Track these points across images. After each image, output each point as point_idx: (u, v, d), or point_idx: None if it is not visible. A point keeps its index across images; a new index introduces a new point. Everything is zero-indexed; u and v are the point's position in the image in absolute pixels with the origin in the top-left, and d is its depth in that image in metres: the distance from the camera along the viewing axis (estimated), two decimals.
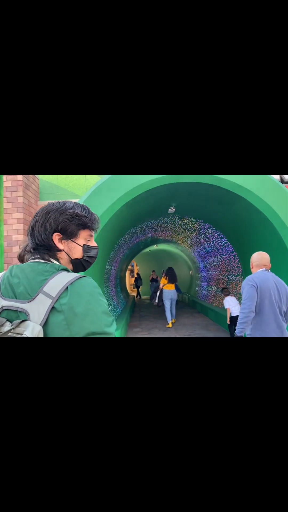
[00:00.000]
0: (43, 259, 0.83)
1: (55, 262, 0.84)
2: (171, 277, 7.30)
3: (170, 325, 7.22)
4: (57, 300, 0.70)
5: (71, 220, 0.85)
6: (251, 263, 2.49)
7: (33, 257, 0.84)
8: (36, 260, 0.82)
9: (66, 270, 0.80)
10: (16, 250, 5.73)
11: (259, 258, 2.45)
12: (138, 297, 14.56)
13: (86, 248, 0.89)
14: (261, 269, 2.41)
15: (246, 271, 6.13)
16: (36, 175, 6.85)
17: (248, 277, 2.37)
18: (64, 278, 0.74)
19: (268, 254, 2.51)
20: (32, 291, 0.73)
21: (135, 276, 14.75)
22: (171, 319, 7.28)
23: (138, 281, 14.60)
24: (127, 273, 17.20)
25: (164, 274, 7.50)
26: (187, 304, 11.46)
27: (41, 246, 0.84)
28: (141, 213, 6.00)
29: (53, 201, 0.89)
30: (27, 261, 0.86)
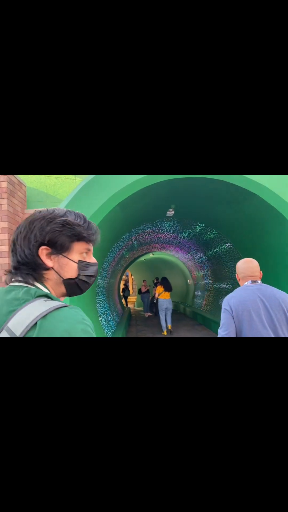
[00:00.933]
0: (26, 282, 0.68)
1: (39, 285, 0.69)
2: (166, 286, 7.45)
3: (165, 332, 7.45)
4: None
5: (61, 230, 0.70)
6: (236, 275, 2.03)
7: (13, 279, 0.70)
8: (14, 284, 0.68)
9: (47, 296, 0.64)
10: (0, 262, 5.12)
11: (245, 268, 1.96)
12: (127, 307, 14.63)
13: (82, 265, 0.74)
14: (246, 282, 1.94)
15: None
16: (22, 182, 6.41)
17: (225, 298, 1.94)
18: (36, 309, 0.59)
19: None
20: None
21: (122, 287, 14.44)
22: (167, 326, 7.48)
23: (125, 292, 14.46)
24: (122, 283, 16.89)
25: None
26: (187, 315, 10.82)
27: (23, 264, 0.69)
28: (136, 215, 5.36)
29: (40, 208, 0.77)
30: (6, 284, 0.72)
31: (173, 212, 5.76)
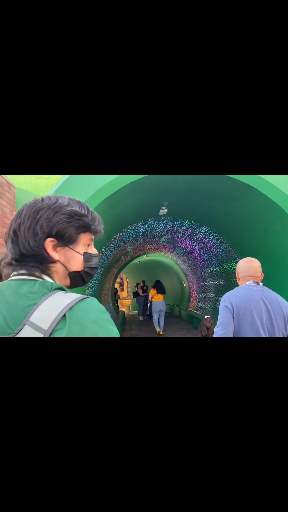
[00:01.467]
0: (32, 275, 0.65)
1: (47, 278, 0.66)
2: (159, 288, 7.73)
3: (160, 332, 7.69)
4: (51, 333, 0.56)
5: (69, 221, 0.68)
6: (237, 273, 1.96)
7: (16, 273, 0.66)
8: (21, 277, 0.65)
9: (62, 289, 0.64)
10: None
11: (247, 268, 1.88)
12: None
13: (87, 256, 0.73)
14: (247, 282, 1.85)
15: None
16: (11, 183, 6.15)
17: (225, 295, 1.83)
18: (59, 301, 0.58)
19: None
20: (15, 322, 0.57)
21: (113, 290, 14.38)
22: (158, 329, 7.74)
23: (115, 295, 14.36)
24: (116, 286, 16.64)
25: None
26: (182, 319, 10.52)
27: (28, 257, 0.66)
28: (127, 214, 5.05)
29: (38, 197, 0.70)
30: (6, 278, 0.71)
31: (166, 210, 5.45)
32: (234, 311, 1.72)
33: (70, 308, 0.56)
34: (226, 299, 1.77)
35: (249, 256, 1.96)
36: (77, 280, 0.73)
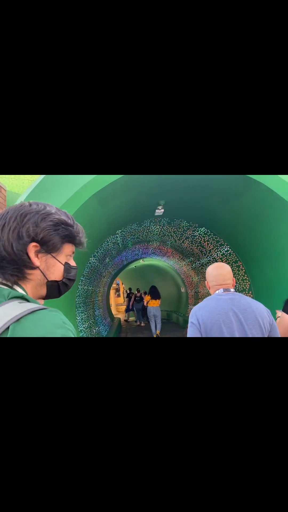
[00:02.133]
0: (5, 279, 0.63)
1: (16, 287, 0.64)
2: (154, 294, 7.98)
3: (157, 335, 7.92)
4: None
5: (56, 229, 0.68)
6: (206, 282, 1.82)
7: None
8: None
9: (22, 298, 0.60)
10: None
11: (215, 276, 1.73)
12: None
13: (67, 267, 0.72)
14: (217, 291, 1.70)
15: (255, 284, 4.82)
16: (1, 186, 5.83)
17: (193, 309, 1.71)
18: (8, 312, 0.54)
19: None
20: None
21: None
22: (156, 331, 7.98)
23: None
24: (112, 292, 16.24)
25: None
26: (180, 326, 10.12)
27: (8, 262, 0.64)
28: (120, 214, 4.67)
29: (25, 202, 0.69)
30: None
31: (162, 210, 5.08)
32: (201, 327, 1.57)
33: (17, 320, 0.52)
34: (192, 314, 1.63)
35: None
36: (53, 290, 0.71)
